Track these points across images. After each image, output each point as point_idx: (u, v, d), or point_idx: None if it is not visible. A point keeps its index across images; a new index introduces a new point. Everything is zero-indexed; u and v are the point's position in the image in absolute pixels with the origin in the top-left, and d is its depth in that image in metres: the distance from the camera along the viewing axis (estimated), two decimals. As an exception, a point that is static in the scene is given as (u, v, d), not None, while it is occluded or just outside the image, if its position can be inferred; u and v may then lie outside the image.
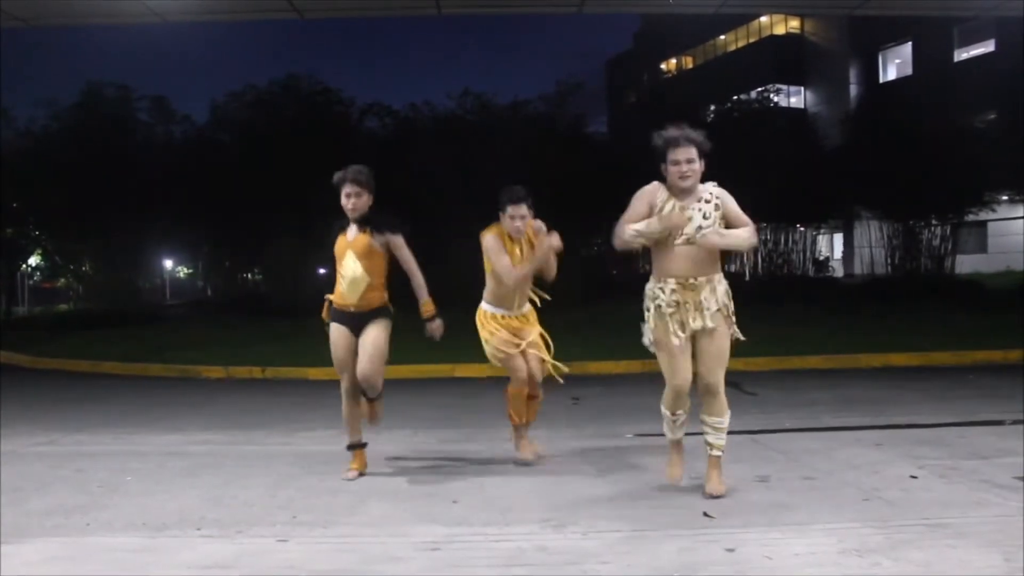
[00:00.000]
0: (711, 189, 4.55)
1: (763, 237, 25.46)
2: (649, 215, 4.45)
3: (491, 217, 5.34)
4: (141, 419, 7.64)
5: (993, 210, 23.75)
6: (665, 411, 4.64)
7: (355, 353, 5.02)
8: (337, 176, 5.05)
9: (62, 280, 29.98)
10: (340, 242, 5.10)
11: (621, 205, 4.65)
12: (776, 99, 29.32)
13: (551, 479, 4.90)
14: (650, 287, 4.53)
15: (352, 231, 5.07)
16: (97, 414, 8.03)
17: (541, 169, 17.08)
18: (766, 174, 20.09)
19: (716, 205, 4.48)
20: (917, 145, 19.94)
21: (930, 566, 3.30)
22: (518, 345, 5.29)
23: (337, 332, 5.08)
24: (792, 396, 8.17)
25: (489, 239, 5.24)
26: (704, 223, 4.42)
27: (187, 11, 11.34)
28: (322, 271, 26.26)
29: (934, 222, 22.48)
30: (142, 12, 11.11)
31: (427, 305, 5.09)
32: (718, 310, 4.46)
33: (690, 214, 4.43)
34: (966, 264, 25.49)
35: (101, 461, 5.70)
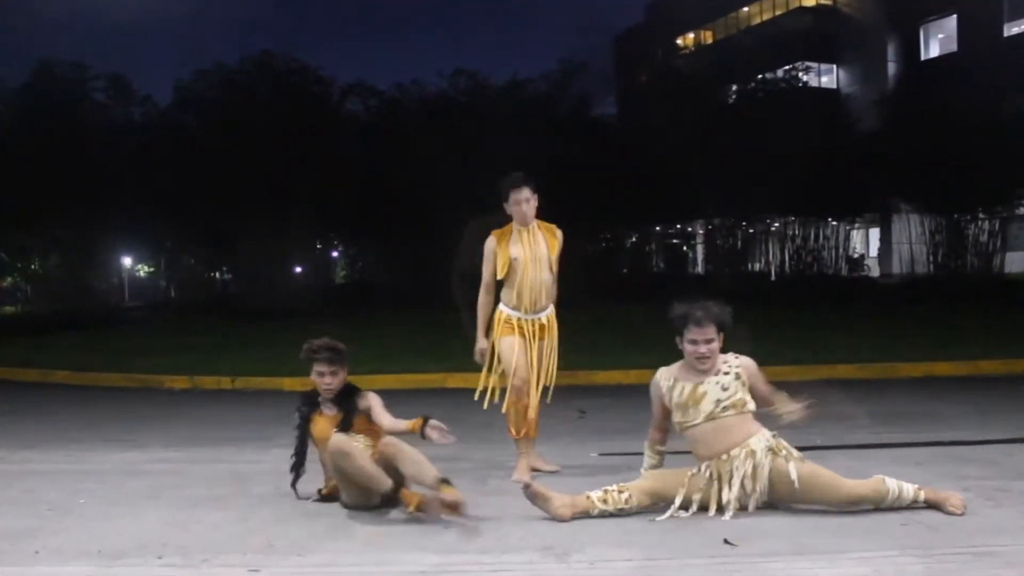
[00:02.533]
0: (730, 360, 4.73)
1: (791, 232, 25.47)
2: (664, 412, 4.81)
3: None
4: (96, 434, 7.64)
5: (1047, 202, 23.73)
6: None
7: None
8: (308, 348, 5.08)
9: (8, 279, 29.97)
10: (320, 423, 5.08)
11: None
12: (805, 78, 29.31)
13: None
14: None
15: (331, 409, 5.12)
16: (48, 429, 8.02)
17: (543, 157, 17.10)
18: (794, 162, 20.08)
19: (737, 374, 4.67)
20: (962, 130, 19.89)
21: (976, 598, 3.30)
22: (527, 360, 5.44)
23: None
24: (822, 409, 8.14)
25: (486, 245, 5.48)
26: (722, 395, 4.61)
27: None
28: (298, 270, 26.36)
29: (981, 215, 22.46)
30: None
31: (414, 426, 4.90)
32: (759, 465, 4.54)
33: (705, 389, 4.63)
34: (1016, 262, 25.45)
35: (52, 480, 5.69)
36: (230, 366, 11.45)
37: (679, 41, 48.57)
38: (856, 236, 31.17)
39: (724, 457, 4.56)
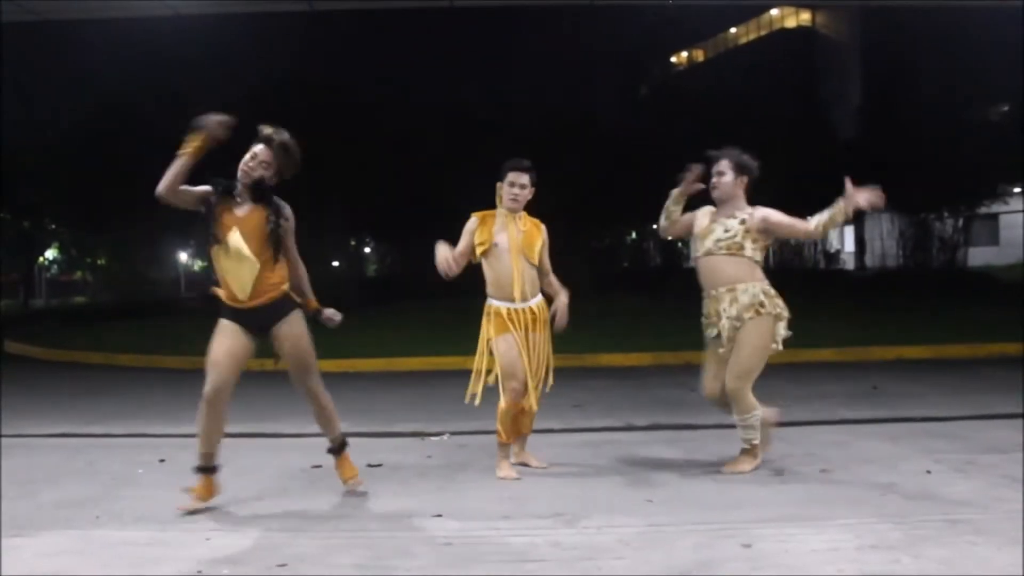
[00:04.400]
0: (747, 209, 4.73)
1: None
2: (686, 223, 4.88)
3: (485, 205, 5.02)
4: (154, 411, 7.62)
5: (1005, 202, 23.55)
6: (759, 412, 4.69)
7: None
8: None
9: (78, 273, 30.13)
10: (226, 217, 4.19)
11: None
12: (786, 91, 29.10)
13: (564, 473, 4.83)
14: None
15: (244, 207, 4.23)
16: (111, 406, 8.01)
17: (551, 163, 17.03)
18: (776, 166, 19.96)
19: (743, 220, 4.66)
20: (929, 137, 19.78)
21: (951, 563, 3.21)
22: (525, 362, 4.75)
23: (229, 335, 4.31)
24: (805, 388, 8.08)
25: (467, 225, 4.87)
26: (723, 235, 4.65)
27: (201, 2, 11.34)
28: (335, 264, 26.36)
29: (946, 215, 22.30)
30: (155, 5, 11.08)
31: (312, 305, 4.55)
32: (738, 318, 4.60)
33: (714, 227, 4.69)
34: (978, 257, 25.29)
35: (113, 453, 5.67)
36: (273, 350, 11.40)
37: (673, 59, 48.39)
38: (833, 233, 31.02)
39: (713, 292, 4.68)
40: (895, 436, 5.61)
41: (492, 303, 4.85)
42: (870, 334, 11.45)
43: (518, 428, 4.92)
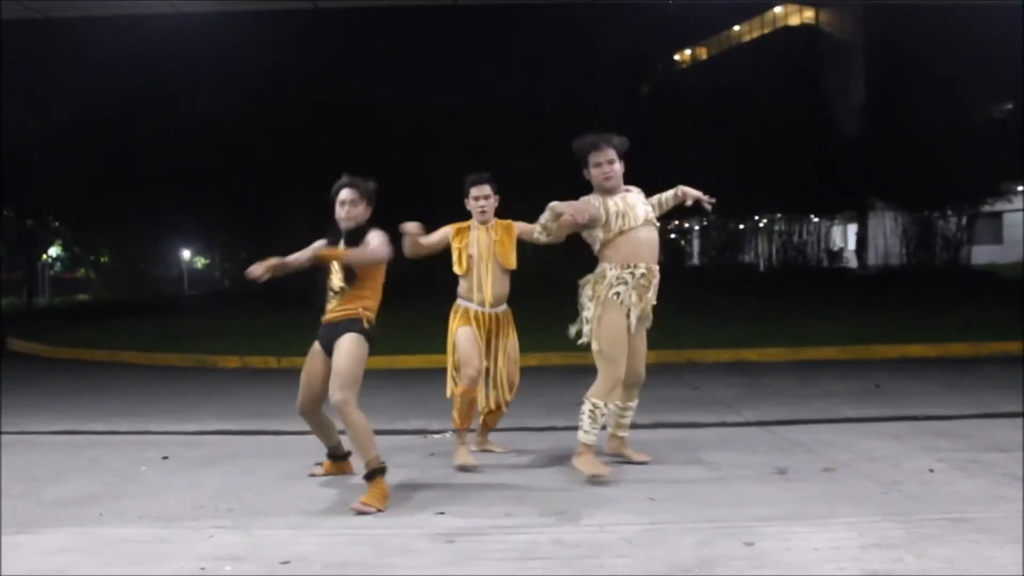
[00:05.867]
0: (629, 187, 4.76)
1: (777, 228, 25.35)
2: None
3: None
4: (157, 408, 7.63)
5: (1009, 200, 23.51)
6: (608, 405, 4.69)
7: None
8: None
9: (81, 270, 30.16)
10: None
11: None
12: (790, 90, 29.03)
13: (567, 471, 4.83)
14: (613, 274, 4.57)
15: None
16: (114, 403, 8.02)
17: (551, 163, 17.02)
18: (780, 165, 19.96)
19: (644, 200, 4.74)
20: (932, 135, 19.73)
21: (953, 562, 3.21)
22: (480, 351, 5.01)
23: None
24: (808, 387, 8.07)
25: (441, 231, 5.17)
26: (647, 208, 4.68)
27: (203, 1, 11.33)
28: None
29: (949, 213, 22.26)
30: (157, 4, 11.06)
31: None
32: (650, 300, 4.67)
33: (632, 202, 4.64)
34: (982, 255, 25.25)
35: (117, 450, 5.68)
36: (277, 347, 11.41)
37: (677, 57, 48.28)
38: (836, 231, 30.95)
39: (654, 267, 4.62)
40: (898, 434, 5.60)
41: (460, 303, 5.17)
42: (873, 332, 11.43)
43: (487, 421, 5.30)
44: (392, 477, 4.77)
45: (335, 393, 4.27)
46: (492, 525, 3.82)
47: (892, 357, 10.20)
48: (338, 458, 4.87)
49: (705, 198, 4.82)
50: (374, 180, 4.70)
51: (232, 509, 4.17)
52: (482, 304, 5.07)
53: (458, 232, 5.17)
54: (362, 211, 4.58)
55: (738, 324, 12.01)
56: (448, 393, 5.13)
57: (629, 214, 4.58)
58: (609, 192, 4.64)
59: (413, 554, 3.46)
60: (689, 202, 4.84)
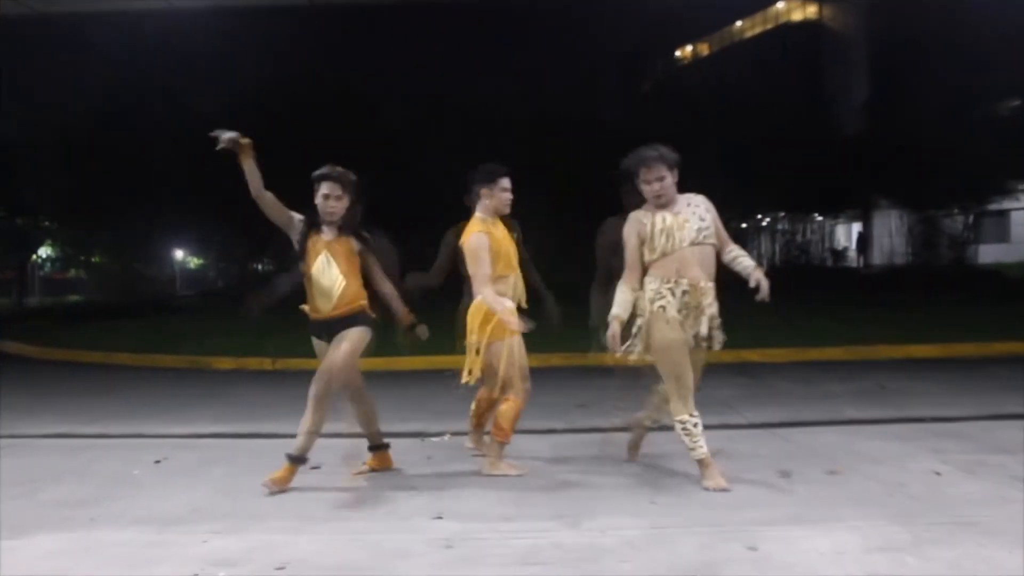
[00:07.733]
0: (690, 200, 4.63)
1: (781, 227, 25.36)
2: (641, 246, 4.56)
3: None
4: (151, 411, 7.63)
5: (1016, 199, 23.49)
6: (690, 417, 4.50)
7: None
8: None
9: (73, 270, 30.13)
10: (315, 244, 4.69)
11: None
12: (793, 86, 29.07)
13: (567, 474, 4.84)
14: (652, 288, 4.50)
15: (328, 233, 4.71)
16: (109, 406, 8.02)
17: (549, 160, 17.04)
18: (783, 163, 19.96)
19: (702, 215, 4.56)
20: (937, 132, 19.74)
21: (958, 565, 3.23)
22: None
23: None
24: (812, 388, 8.08)
25: (478, 241, 4.83)
26: (703, 226, 4.52)
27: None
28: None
29: (955, 211, 22.26)
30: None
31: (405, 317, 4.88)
32: (711, 318, 4.54)
33: (686, 217, 4.51)
34: (988, 254, 25.25)
35: (111, 453, 5.69)
36: (272, 349, 11.41)
37: (677, 53, 48.30)
38: (840, 230, 30.97)
39: (703, 285, 4.48)
40: (902, 436, 5.61)
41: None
42: (877, 332, 11.43)
43: (482, 422, 5.38)
44: (390, 480, 4.79)
45: (324, 374, 4.55)
46: (491, 529, 3.83)
47: (896, 358, 10.20)
48: (378, 448, 5.03)
49: (765, 294, 4.49)
50: (355, 173, 4.82)
51: (227, 512, 4.17)
52: (518, 301, 4.99)
53: (489, 234, 4.90)
54: (345, 204, 4.70)
55: (740, 324, 11.98)
56: (465, 377, 4.95)
57: (675, 235, 4.46)
58: (661, 208, 4.55)
59: (411, 558, 3.47)
60: (752, 284, 4.56)
